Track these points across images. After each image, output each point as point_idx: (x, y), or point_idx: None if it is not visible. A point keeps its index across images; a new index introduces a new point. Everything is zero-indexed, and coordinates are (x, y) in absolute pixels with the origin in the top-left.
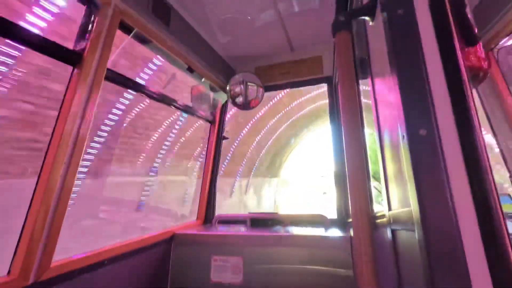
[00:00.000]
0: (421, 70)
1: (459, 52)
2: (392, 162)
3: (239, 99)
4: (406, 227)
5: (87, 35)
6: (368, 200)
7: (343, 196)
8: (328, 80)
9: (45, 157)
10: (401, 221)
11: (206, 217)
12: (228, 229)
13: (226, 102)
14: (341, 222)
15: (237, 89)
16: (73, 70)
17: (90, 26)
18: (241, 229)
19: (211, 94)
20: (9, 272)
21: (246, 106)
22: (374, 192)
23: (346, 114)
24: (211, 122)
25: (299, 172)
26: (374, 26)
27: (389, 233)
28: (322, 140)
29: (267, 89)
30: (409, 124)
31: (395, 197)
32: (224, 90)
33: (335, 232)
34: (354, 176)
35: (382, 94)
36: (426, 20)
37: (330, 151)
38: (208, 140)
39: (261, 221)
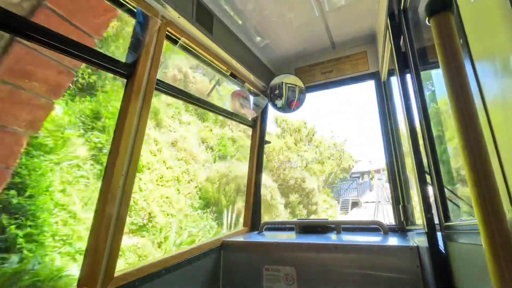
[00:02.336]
0: None
1: None
2: None
3: (279, 102)
4: None
5: (138, 47)
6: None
7: (401, 200)
8: (375, 76)
9: (105, 170)
10: None
11: (253, 224)
12: (276, 236)
13: (267, 105)
14: (400, 229)
15: (277, 92)
16: (127, 82)
17: (140, 38)
18: (290, 236)
19: (252, 98)
20: (78, 282)
21: (286, 108)
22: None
23: (464, 119)
24: (252, 127)
25: None
26: (475, 3)
27: None
28: None
29: (309, 89)
30: None
31: None
32: (264, 93)
33: (396, 241)
34: (480, 171)
35: (494, 75)
36: None
37: (381, 150)
38: (250, 145)
39: (310, 228)
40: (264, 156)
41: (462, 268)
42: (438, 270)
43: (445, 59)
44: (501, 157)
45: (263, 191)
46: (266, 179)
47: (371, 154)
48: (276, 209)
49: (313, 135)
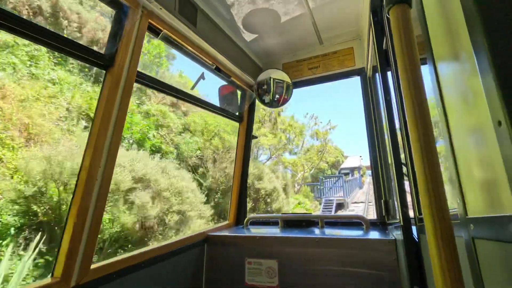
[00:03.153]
0: None
1: None
2: (469, 155)
3: (267, 97)
4: (504, 238)
5: (118, 38)
6: (446, 199)
7: (383, 195)
8: (360, 72)
9: (82, 162)
10: (495, 229)
11: (238, 219)
12: (260, 231)
13: (254, 100)
14: (381, 224)
15: (264, 87)
16: (105, 74)
17: (120, 29)
18: (274, 231)
19: (239, 93)
20: (52, 275)
21: (274, 104)
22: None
23: (414, 108)
24: (240, 122)
25: None
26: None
27: (466, 242)
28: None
29: (296, 85)
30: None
31: (475, 198)
32: (252, 88)
33: (376, 235)
34: (429, 170)
35: (452, 79)
36: None
37: (366, 146)
38: (237, 140)
39: (294, 222)
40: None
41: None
42: (411, 261)
43: (400, 51)
44: (455, 154)
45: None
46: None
47: (362, 150)
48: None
49: (279, 115)
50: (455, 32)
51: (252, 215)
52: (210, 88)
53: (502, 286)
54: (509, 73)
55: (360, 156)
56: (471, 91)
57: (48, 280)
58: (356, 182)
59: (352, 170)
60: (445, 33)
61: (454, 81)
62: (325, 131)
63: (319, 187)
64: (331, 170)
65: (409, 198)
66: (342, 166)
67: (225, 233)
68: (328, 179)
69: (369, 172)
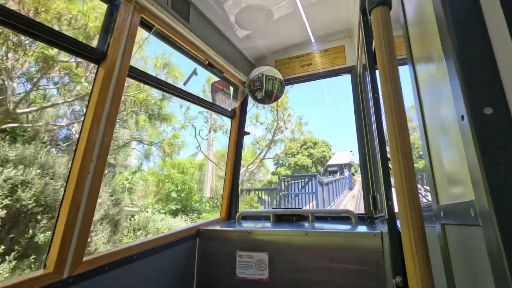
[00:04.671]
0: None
1: None
2: (440, 149)
3: (259, 94)
4: (465, 221)
5: (110, 33)
6: (418, 192)
7: (371, 190)
8: (351, 70)
9: (74, 155)
10: (458, 214)
11: (229, 213)
12: (252, 225)
13: (247, 97)
14: (369, 218)
15: (257, 84)
16: (97, 68)
17: (112, 24)
18: (265, 225)
19: (231, 89)
20: (45, 266)
21: (266, 100)
22: None
23: (390, 101)
24: (232, 118)
25: None
26: (415, 3)
27: (437, 228)
28: None
29: (288, 82)
30: (471, 102)
31: (444, 188)
32: (244, 84)
33: (364, 228)
34: (402, 165)
35: (427, 79)
36: None
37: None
38: (230, 136)
39: (285, 217)
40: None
41: None
42: (395, 252)
43: (379, 49)
44: (430, 148)
45: None
46: None
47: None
48: None
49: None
50: (430, 36)
51: (244, 210)
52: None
53: (464, 264)
54: (471, 74)
55: (351, 151)
56: (442, 89)
57: (40, 271)
58: (345, 182)
59: (341, 167)
60: (422, 36)
61: (429, 81)
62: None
63: (280, 193)
64: (316, 168)
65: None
66: (329, 163)
67: (217, 227)
68: (294, 182)
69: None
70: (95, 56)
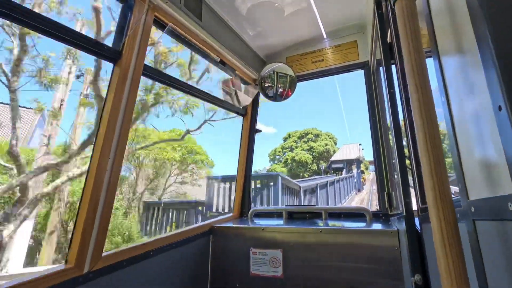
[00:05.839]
0: None
1: None
2: (470, 142)
3: (271, 91)
4: (502, 216)
5: (125, 32)
6: (449, 185)
7: (386, 187)
8: (364, 65)
9: (92, 153)
10: (493, 209)
11: (242, 211)
12: (265, 222)
13: (258, 94)
14: (383, 215)
15: (268, 81)
16: (113, 67)
17: (127, 23)
18: (278, 222)
19: (243, 87)
20: (66, 261)
21: (277, 97)
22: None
23: (418, 93)
24: (243, 115)
25: None
26: None
27: (467, 224)
28: None
29: (300, 78)
30: (511, 92)
31: (475, 183)
32: (255, 82)
33: (379, 226)
34: (432, 159)
35: (455, 69)
36: None
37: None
38: (241, 134)
39: (298, 214)
40: None
41: (431, 246)
42: (413, 250)
43: (406, 41)
44: (457, 140)
45: None
46: None
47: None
48: None
49: None
50: (459, 25)
51: (256, 207)
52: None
53: (500, 261)
54: (509, 63)
55: (360, 145)
56: (473, 80)
57: (62, 266)
58: (351, 182)
59: (348, 163)
60: (449, 26)
61: (457, 72)
62: None
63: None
64: (317, 164)
65: (411, 190)
66: (333, 158)
67: (230, 224)
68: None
69: (372, 167)
70: (111, 55)
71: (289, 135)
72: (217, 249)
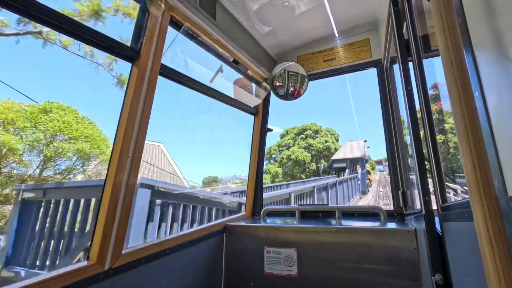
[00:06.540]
0: None
1: None
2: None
3: (282, 90)
4: None
5: (143, 32)
6: (493, 179)
7: (400, 186)
8: (377, 63)
9: (112, 152)
10: None
11: (254, 210)
12: (278, 221)
13: (269, 93)
14: (398, 215)
15: (279, 80)
16: (132, 66)
17: (144, 23)
18: (291, 221)
19: (254, 86)
20: (88, 259)
21: (289, 97)
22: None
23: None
24: (255, 115)
25: None
26: None
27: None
28: None
29: (311, 77)
30: None
31: None
32: (266, 81)
33: (394, 225)
34: (475, 154)
35: (492, 62)
36: None
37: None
38: (253, 133)
39: (310, 213)
40: None
41: (454, 245)
42: (434, 250)
43: (442, 34)
44: (494, 133)
45: None
46: None
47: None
48: None
49: None
50: (498, 16)
51: (268, 206)
52: None
53: None
54: None
55: (365, 141)
56: None
57: (85, 263)
58: (355, 184)
59: (352, 162)
60: (485, 18)
61: (495, 65)
62: None
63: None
64: (316, 163)
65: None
66: (334, 157)
67: (243, 223)
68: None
69: (379, 167)
70: (130, 54)
71: (287, 131)
72: (231, 248)
